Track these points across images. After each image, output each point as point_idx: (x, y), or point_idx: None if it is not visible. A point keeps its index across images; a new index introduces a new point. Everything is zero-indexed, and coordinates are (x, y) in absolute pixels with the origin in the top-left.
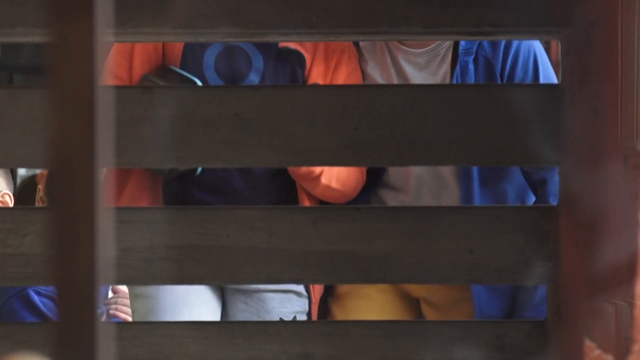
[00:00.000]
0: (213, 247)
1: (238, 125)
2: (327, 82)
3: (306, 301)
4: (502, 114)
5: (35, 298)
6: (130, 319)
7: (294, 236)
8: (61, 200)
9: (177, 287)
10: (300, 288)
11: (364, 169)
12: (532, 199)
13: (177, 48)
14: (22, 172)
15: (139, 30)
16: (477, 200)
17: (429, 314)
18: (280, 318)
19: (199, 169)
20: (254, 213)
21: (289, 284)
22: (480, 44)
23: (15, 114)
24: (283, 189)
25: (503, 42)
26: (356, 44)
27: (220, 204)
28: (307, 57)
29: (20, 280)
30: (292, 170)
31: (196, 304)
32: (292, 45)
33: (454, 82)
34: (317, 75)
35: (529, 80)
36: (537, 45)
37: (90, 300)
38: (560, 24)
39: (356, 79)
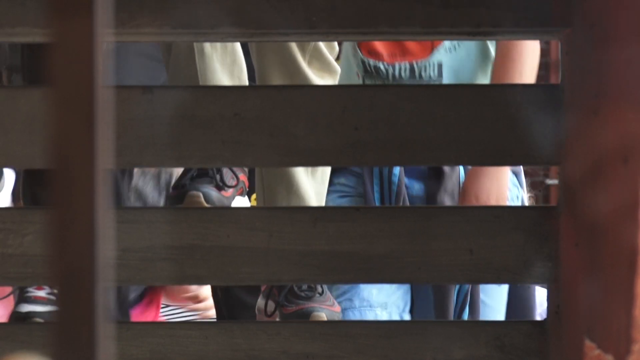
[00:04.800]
0: (213, 247)
1: (238, 125)
2: None
3: None
4: (502, 114)
5: None
6: None
7: (294, 236)
8: (61, 200)
9: None
10: None
11: None
12: None
13: None
14: None
15: (139, 30)
16: None
17: None
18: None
19: None
20: (254, 213)
21: None
22: None
23: (15, 114)
24: None
25: None
26: None
27: None
28: None
29: (20, 280)
30: None
31: None
32: None
33: None
34: None
35: None
36: None
37: (90, 300)
38: (560, 24)
39: None
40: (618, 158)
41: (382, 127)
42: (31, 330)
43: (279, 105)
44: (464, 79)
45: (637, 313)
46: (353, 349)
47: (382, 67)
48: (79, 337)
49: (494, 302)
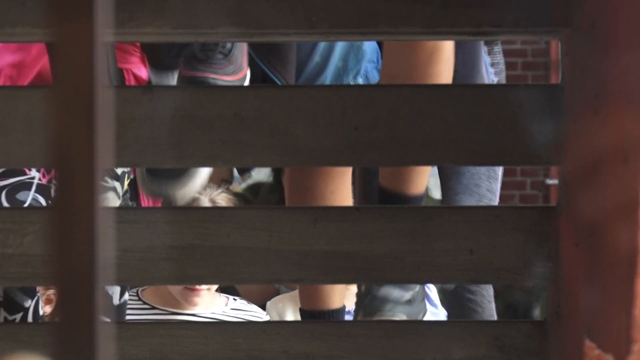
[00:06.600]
0: (213, 247)
1: (238, 125)
2: None
3: None
4: (502, 114)
5: None
6: None
7: (294, 236)
8: (61, 200)
9: None
10: None
11: None
12: None
13: None
14: None
15: (139, 30)
16: None
17: None
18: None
19: None
20: (254, 213)
21: None
22: None
23: (15, 114)
24: None
25: None
26: None
27: None
28: None
29: (20, 280)
30: None
31: None
32: None
33: None
34: None
35: None
36: None
37: (90, 300)
38: (560, 24)
39: None
40: (618, 158)
41: (382, 127)
42: (31, 330)
43: (279, 105)
44: None
45: (637, 313)
46: (353, 349)
47: None
48: (79, 337)
49: None
